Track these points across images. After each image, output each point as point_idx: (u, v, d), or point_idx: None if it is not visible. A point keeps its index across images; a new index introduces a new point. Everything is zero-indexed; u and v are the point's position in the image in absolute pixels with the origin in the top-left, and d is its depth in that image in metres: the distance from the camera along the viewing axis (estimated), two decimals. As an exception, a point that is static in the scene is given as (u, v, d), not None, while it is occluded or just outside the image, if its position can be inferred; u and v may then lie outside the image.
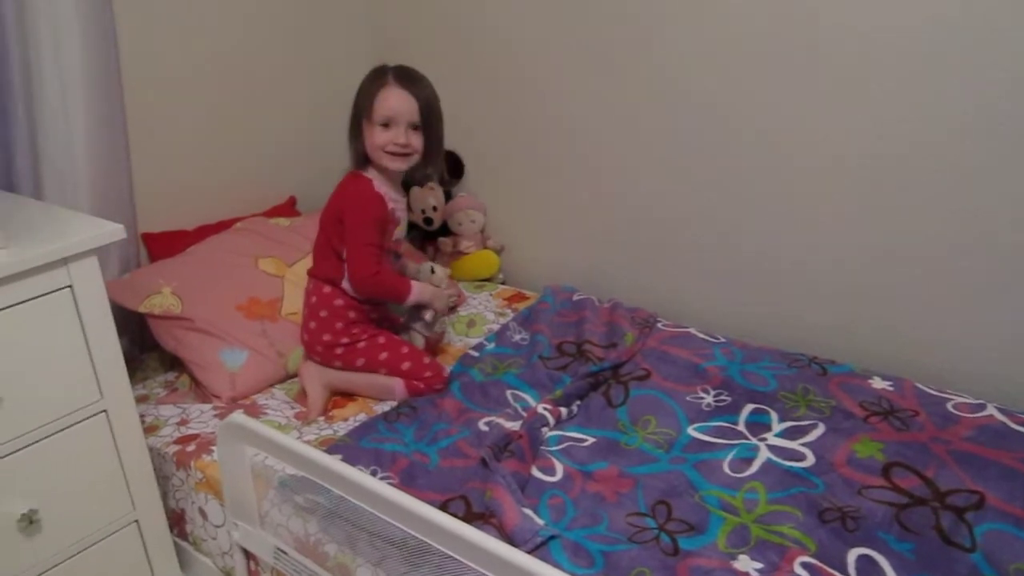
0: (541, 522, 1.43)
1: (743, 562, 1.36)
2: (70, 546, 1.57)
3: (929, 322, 1.95)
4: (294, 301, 2.11)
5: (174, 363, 2.15)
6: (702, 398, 1.86)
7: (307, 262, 2.18)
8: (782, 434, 1.71)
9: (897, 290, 1.97)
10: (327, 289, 1.91)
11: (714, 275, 2.28)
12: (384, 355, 1.92)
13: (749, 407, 1.81)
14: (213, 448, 1.74)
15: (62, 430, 1.51)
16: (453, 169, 2.70)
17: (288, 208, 2.57)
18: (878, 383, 1.85)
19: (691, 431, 1.76)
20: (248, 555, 1.66)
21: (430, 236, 2.76)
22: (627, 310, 2.26)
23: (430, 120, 1.87)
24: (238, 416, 1.45)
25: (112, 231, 1.49)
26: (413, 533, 1.22)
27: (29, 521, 1.46)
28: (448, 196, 2.74)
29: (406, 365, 1.93)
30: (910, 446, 1.62)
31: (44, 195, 1.90)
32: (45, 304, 1.43)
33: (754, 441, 1.69)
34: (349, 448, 1.69)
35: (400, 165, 1.88)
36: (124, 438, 1.61)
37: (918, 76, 1.79)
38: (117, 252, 2.11)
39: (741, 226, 2.17)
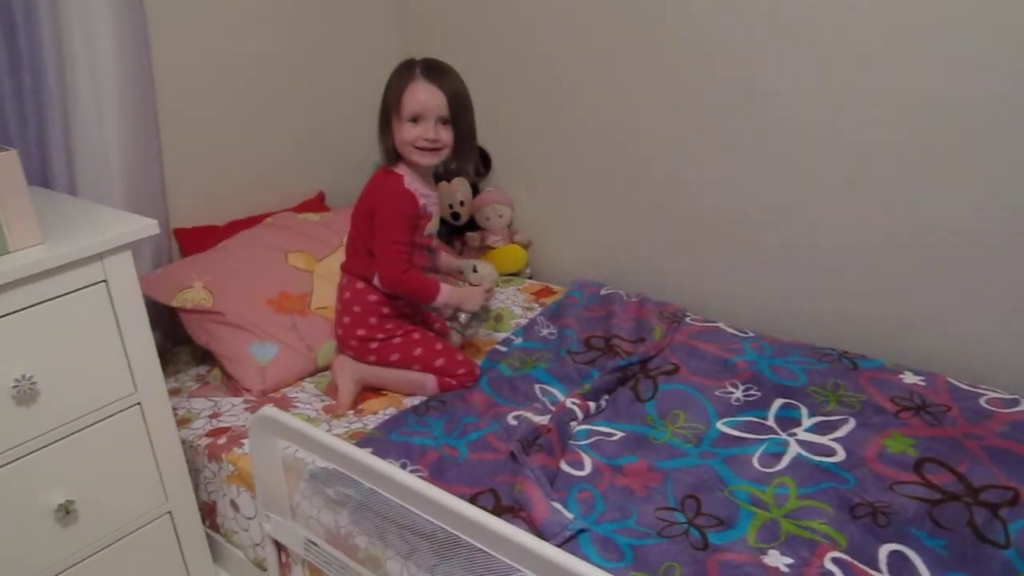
0: (570, 516, 1.43)
1: (773, 557, 1.36)
2: (105, 536, 1.60)
3: (961, 317, 1.93)
4: (324, 296, 2.13)
5: (205, 356, 2.17)
6: (731, 392, 1.85)
7: (336, 257, 2.19)
8: (812, 429, 1.70)
9: (929, 285, 1.95)
10: (360, 285, 1.91)
11: (743, 269, 2.26)
12: (419, 351, 1.93)
13: (779, 402, 1.80)
14: (244, 441, 1.76)
15: (97, 422, 1.53)
16: (481, 163, 2.71)
17: (317, 203, 2.59)
18: (909, 378, 1.84)
19: (720, 426, 1.75)
20: (279, 547, 1.68)
21: (457, 231, 2.77)
22: (655, 304, 2.25)
23: (460, 113, 1.85)
24: (269, 409, 1.46)
25: (146, 226, 1.51)
26: (443, 526, 1.23)
27: (66, 511, 1.49)
28: (475, 191, 2.74)
29: (440, 361, 1.94)
30: (942, 441, 1.60)
31: (78, 191, 1.93)
32: (81, 298, 1.45)
33: (784, 436, 1.68)
34: (379, 441, 1.70)
35: (430, 160, 1.87)
36: (157, 431, 1.63)
37: (959, 63, 1.77)
38: (150, 247, 2.14)
39: (770, 219, 2.16)
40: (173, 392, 2.00)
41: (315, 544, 1.56)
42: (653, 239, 2.42)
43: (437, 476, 1.61)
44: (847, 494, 1.49)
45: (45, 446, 1.46)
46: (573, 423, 1.77)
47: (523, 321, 2.29)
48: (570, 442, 1.72)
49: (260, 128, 2.42)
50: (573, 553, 1.24)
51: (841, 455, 1.61)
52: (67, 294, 1.43)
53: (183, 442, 1.75)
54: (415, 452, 1.68)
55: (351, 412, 1.88)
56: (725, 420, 1.76)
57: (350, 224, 1.95)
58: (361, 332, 1.91)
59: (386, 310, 1.91)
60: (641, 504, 1.51)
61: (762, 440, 1.68)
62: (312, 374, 2.07)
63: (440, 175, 2.58)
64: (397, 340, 1.93)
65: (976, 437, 1.60)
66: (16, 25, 1.73)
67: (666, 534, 1.42)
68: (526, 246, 2.72)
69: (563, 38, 2.38)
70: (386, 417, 1.84)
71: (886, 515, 1.43)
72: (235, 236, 2.25)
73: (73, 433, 1.50)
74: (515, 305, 2.41)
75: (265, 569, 1.73)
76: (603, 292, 2.36)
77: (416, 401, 1.92)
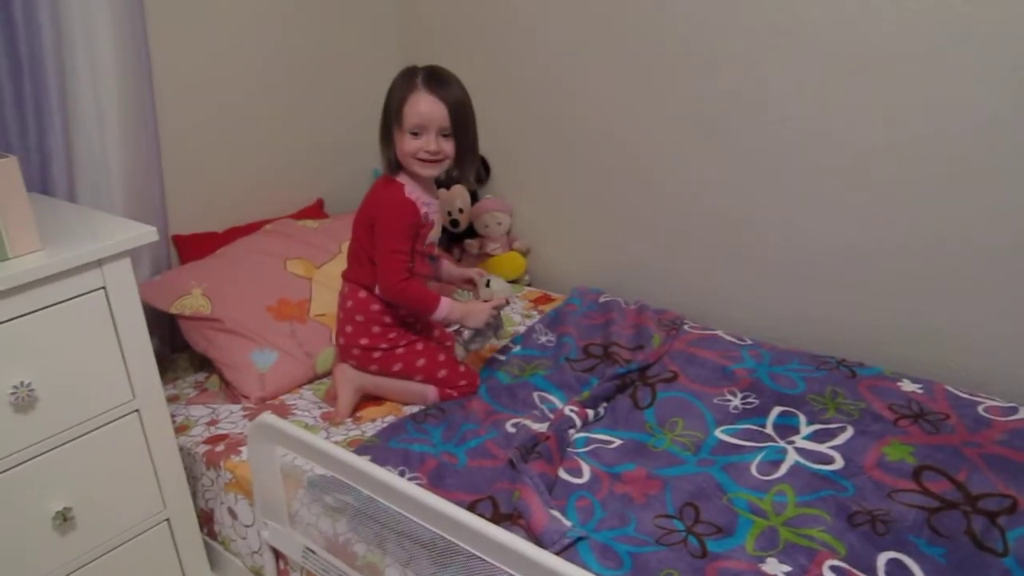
0: (569, 523, 1.43)
1: (771, 565, 1.35)
2: (103, 544, 1.59)
3: (960, 325, 1.93)
4: (323, 302, 2.13)
5: (204, 363, 2.17)
6: (730, 400, 1.85)
7: (335, 264, 2.20)
8: (811, 437, 1.70)
9: (928, 292, 1.95)
10: (363, 294, 1.90)
11: (741, 277, 2.26)
12: (422, 362, 1.93)
13: (777, 409, 1.80)
14: (242, 449, 1.76)
15: (95, 429, 1.53)
16: (480, 171, 2.71)
17: (316, 210, 2.59)
18: (908, 386, 1.84)
19: (719, 433, 1.75)
20: (277, 554, 1.68)
21: (456, 238, 2.77)
22: (654, 312, 2.25)
23: (461, 124, 1.83)
24: (268, 416, 1.46)
25: (145, 233, 1.51)
26: (441, 533, 1.23)
27: (63, 519, 1.49)
28: (474, 198, 2.75)
29: (442, 373, 1.94)
30: (941, 449, 1.60)
31: (78, 198, 1.93)
32: (79, 305, 1.45)
33: (782, 444, 1.68)
34: (378, 448, 1.70)
35: (432, 172, 1.86)
36: (155, 438, 1.63)
37: (957, 68, 1.78)
38: (149, 254, 2.14)
39: (769, 227, 2.16)
40: (171, 399, 2.00)
41: (313, 552, 1.55)
42: (652, 246, 2.43)
43: (436, 483, 1.60)
44: (846, 502, 1.49)
45: (43, 453, 1.46)
46: (572, 431, 1.77)
47: (521, 328, 2.29)
48: (569, 450, 1.72)
49: (259, 135, 2.42)
50: (572, 561, 1.24)
51: (840, 463, 1.61)
52: (66, 301, 1.43)
53: (181, 449, 1.75)
54: (414, 459, 1.68)
55: (349, 420, 1.88)
56: (724, 428, 1.77)
57: (351, 233, 1.94)
58: (364, 341, 1.90)
59: (388, 319, 1.90)
60: (640, 512, 1.51)
61: (761, 448, 1.68)
62: (311, 381, 2.07)
63: (439, 182, 2.58)
64: (400, 350, 1.92)
65: (974, 445, 1.61)
66: (17, 32, 1.73)
67: (665, 542, 1.42)
68: (525, 253, 2.72)
69: (562, 45, 2.39)
70: (385, 424, 1.84)
71: (885, 523, 1.43)
72: (234, 243, 2.25)
73: (71, 440, 1.49)
74: (514, 312, 2.41)
75: (263, 577, 1.73)
76: (602, 299, 2.36)
77: (415, 408, 1.92)
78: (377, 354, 1.91)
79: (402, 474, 1.62)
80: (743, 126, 2.11)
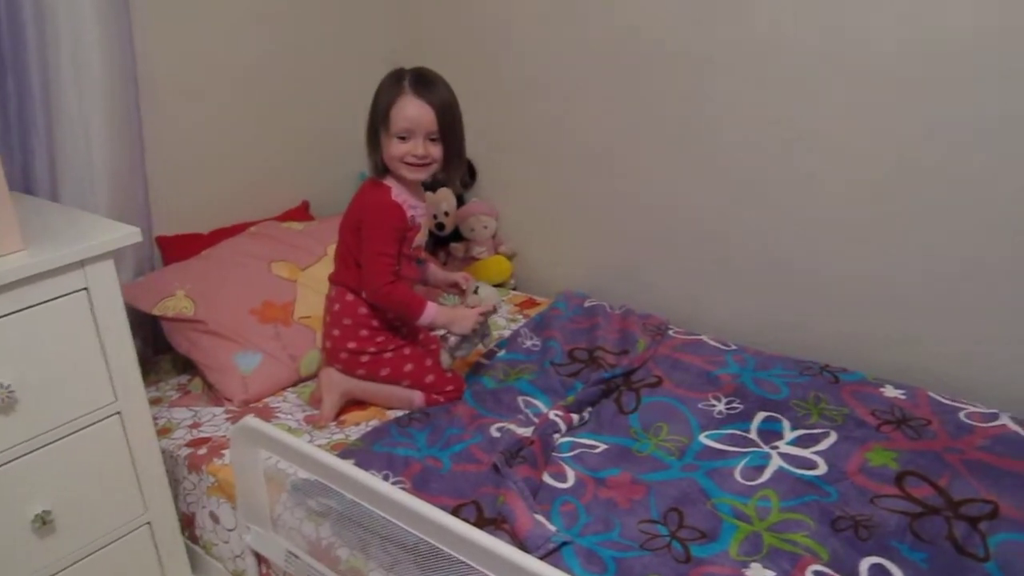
0: (553, 528, 1.43)
1: (755, 570, 1.36)
2: (83, 547, 1.58)
3: (942, 331, 1.95)
4: (307, 305, 2.12)
5: (187, 365, 2.16)
6: (714, 405, 1.86)
7: (320, 266, 2.19)
8: (794, 442, 1.70)
9: (910, 299, 1.97)
10: (350, 297, 1.89)
11: (727, 282, 2.27)
12: (409, 367, 1.92)
13: (761, 415, 1.80)
14: (225, 452, 1.75)
15: (77, 431, 1.51)
16: (466, 174, 2.71)
17: (302, 212, 2.58)
18: (891, 391, 1.85)
19: (703, 438, 1.75)
20: (260, 559, 1.67)
21: (442, 241, 2.77)
22: (639, 317, 2.26)
23: (449, 128, 1.82)
24: (251, 420, 1.45)
25: (128, 234, 1.50)
26: (425, 538, 1.22)
27: (43, 522, 1.47)
28: (460, 201, 2.74)
29: (430, 378, 1.93)
30: (923, 455, 1.61)
31: (61, 198, 1.92)
32: (61, 306, 1.44)
33: (766, 449, 1.69)
34: (362, 452, 1.69)
35: (419, 176, 1.85)
36: (137, 440, 1.62)
37: (931, 84, 1.79)
38: (132, 255, 2.12)
39: (753, 234, 2.17)
40: (154, 401, 1.99)
41: (296, 556, 1.55)
42: (638, 251, 2.43)
43: (420, 488, 1.60)
44: (829, 507, 1.50)
45: (23, 455, 1.44)
46: (556, 435, 1.77)
47: (507, 333, 2.29)
48: (553, 454, 1.72)
49: (245, 136, 2.41)
50: (556, 566, 1.23)
51: (823, 468, 1.61)
52: (48, 301, 1.42)
53: (163, 452, 1.74)
54: (398, 464, 1.67)
55: (333, 423, 1.87)
56: (708, 433, 1.77)
57: (338, 236, 1.93)
58: (352, 345, 1.89)
59: (376, 323, 1.89)
60: (624, 517, 1.51)
61: (745, 453, 1.68)
62: (295, 384, 2.06)
63: (425, 185, 2.57)
64: (388, 355, 1.91)
65: (956, 451, 1.62)
66: (0, 29, 1.72)
67: (649, 547, 1.42)
68: (511, 257, 2.72)
69: (550, 51, 2.39)
70: (369, 428, 1.84)
71: (867, 528, 1.44)
72: (218, 245, 2.24)
73: (52, 442, 1.48)
74: (499, 316, 2.41)
75: (245, 581, 1.72)
76: (587, 304, 2.36)
77: (399, 412, 1.91)
78: (365, 358, 1.90)
79: (386, 478, 1.62)
80: (729, 133, 2.12)
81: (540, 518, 1.44)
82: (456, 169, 1.90)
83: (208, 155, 2.32)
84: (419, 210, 1.91)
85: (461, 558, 1.17)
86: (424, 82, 1.80)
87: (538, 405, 1.91)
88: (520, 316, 2.42)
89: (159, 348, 2.22)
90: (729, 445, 1.72)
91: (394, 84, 1.81)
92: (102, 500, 1.59)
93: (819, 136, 1.98)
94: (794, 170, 2.04)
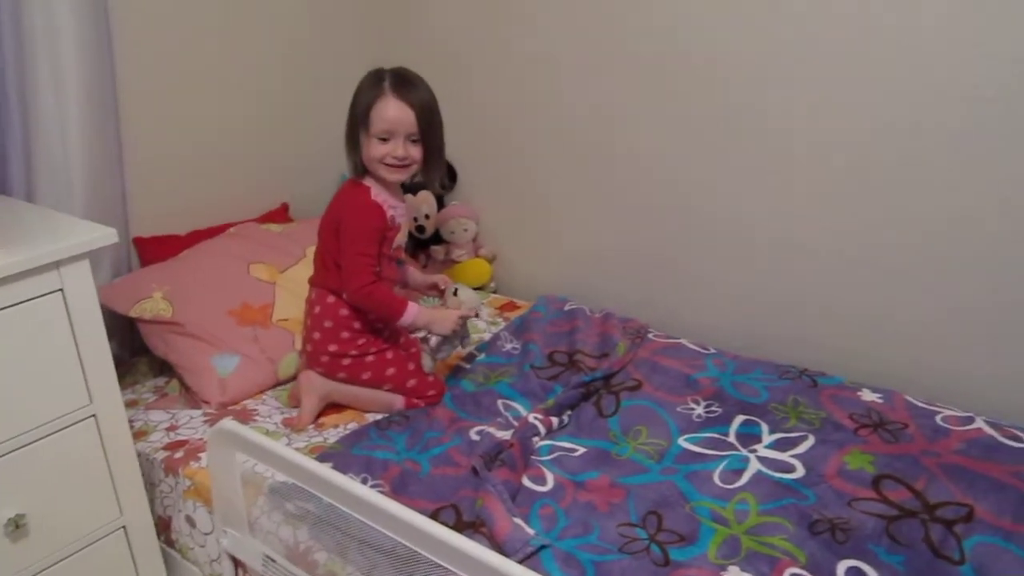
0: (532, 531, 1.43)
1: (733, 573, 1.36)
2: (57, 551, 1.56)
3: (919, 335, 1.96)
4: (286, 307, 2.10)
5: (164, 368, 2.14)
6: (693, 409, 1.86)
7: (299, 268, 2.18)
8: (773, 445, 1.71)
9: (888, 303, 1.98)
10: (331, 299, 1.87)
11: (706, 286, 2.28)
12: (391, 371, 1.91)
13: (740, 418, 1.81)
14: (202, 455, 1.73)
15: (51, 434, 1.49)
16: (447, 177, 2.70)
17: (281, 214, 2.56)
18: (868, 395, 1.86)
19: (682, 442, 1.76)
20: (237, 563, 1.65)
21: (422, 244, 2.76)
22: (619, 320, 2.26)
23: (429, 129, 1.81)
24: (229, 422, 1.44)
25: (105, 235, 1.49)
26: (403, 542, 1.22)
27: (16, 526, 1.45)
28: (441, 204, 2.74)
29: (411, 382, 1.92)
30: (900, 458, 1.62)
31: (37, 198, 1.89)
32: (36, 307, 1.42)
33: (745, 452, 1.70)
34: (340, 455, 1.68)
35: (399, 176, 1.84)
36: (113, 443, 1.60)
37: (936, 86, 1.81)
38: (109, 256, 2.10)
39: (734, 239, 2.18)
40: (130, 404, 1.97)
41: (273, 560, 1.53)
42: (618, 255, 2.44)
43: (399, 491, 1.59)
44: (807, 510, 1.50)
45: (-4, 458, 1.43)
46: (536, 438, 1.77)
47: (487, 336, 2.28)
48: (533, 457, 1.71)
49: (224, 137, 2.39)
50: (535, 569, 1.23)
51: (801, 471, 1.62)
52: (22, 303, 1.40)
53: (139, 455, 1.72)
54: (377, 467, 1.66)
55: (311, 426, 1.86)
56: (687, 436, 1.77)
57: (318, 237, 1.92)
58: (333, 348, 1.88)
59: (357, 325, 1.88)
60: (603, 520, 1.51)
61: (723, 456, 1.69)
62: (273, 386, 2.05)
63: (406, 188, 2.57)
64: (370, 358, 1.90)
65: (933, 454, 1.63)
66: (-26, 28, 1.70)
67: (628, 550, 1.42)
68: (491, 260, 2.72)
69: (531, 53, 2.40)
70: (347, 431, 1.83)
71: (845, 531, 1.45)
72: (196, 246, 2.22)
73: (25, 445, 1.46)
74: (479, 319, 2.40)
75: (222, 585, 1.70)
76: (567, 307, 2.36)
77: (378, 415, 1.90)
78: (346, 361, 1.89)
79: (364, 481, 1.61)
80: (713, 145, 2.13)
81: (519, 521, 1.44)
82: (435, 170, 1.89)
83: (187, 156, 2.30)
84: (399, 210, 1.90)
85: (439, 562, 1.17)
86: (404, 83, 1.80)
87: (518, 408, 1.91)
88: (500, 319, 2.42)
89: (136, 350, 2.20)
90: (708, 448, 1.72)
91: (374, 85, 1.79)
92: (77, 504, 1.57)
93: (801, 139, 1.99)
94: (772, 177, 2.05)
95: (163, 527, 1.81)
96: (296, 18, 2.51)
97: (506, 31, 2.43)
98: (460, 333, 1.93)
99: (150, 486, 1.78)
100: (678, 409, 1.86)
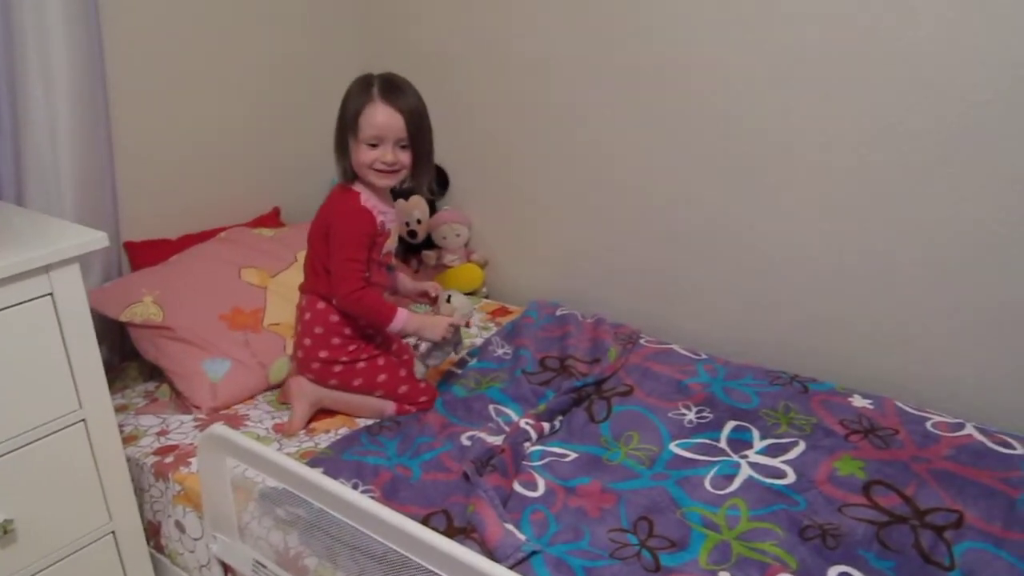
0: (523, 537, 1.42)
1: (724, 579, 1.36)
2: (45, 557, 1.55)
3: (911, 342, 1.97)
4: (277, 312, 2.10)
5: (154, 372, 2.13)
6: (684, 414, 1.87)
7: (290, 273, 2.17)
8: (764, 451, 1.71)
9: (880, 309, 1.99)
10: (321, 305, 1.87)
11: (698, 292, 2.29)
12: (383, 377, 1.90)
13: (731, 424, 1.81)
14: (192, 460, 1.73)
15: (40, 439, 1.49)
16: (438, 182, 2.70)
17: (272, 219, 2.56)
18: (859, 401, 1.86)
19: (673, 447, 1.76)
20: (226, 568, 1.65)
21: (414, 249, 2.76)
22: (611, 326, 2.26)
23: (418, 134, 1.81)
24: (219, 427, 1.44)
25: (95, 239, 1.48)
26: (394, 547, 1.22)
27: (4, 531, 1.44)
28: (433, 209, 2.74)
29: (403, 388, 1.92)
30: (890, 464, 1.63)
31: (27, 202, 1.89)
32: (25, 312, 1.42)
33: (736, 458, 1.70)
34: (331, 461, 1.68)
35: (389, 182, 1.84)
36: (102, 448, 1.59)
37: (920, 89, 1.81)
38: (99, 260, 2.10)
39: (725, 244, 2.18)
40: (120, 409, 1.96)
41: (263, 566, 1.53)
42: (610, 261, 2.44)
43: (390, 496, 1.59)
44: (797, 516, 1.51)
45: (-16, 463, 1.42)
46: (527, 444, 1.77)
47: (478, 341, 2.28)
48: (524, 463, 1.71)
49: (216, 141, 2.39)
50: (525, 575, 1.23)
51: (792, 477, 1.62)
52: (11, 307, 1.39)
53: (129, 460, 1.71)
54: (367, 472, 1.66)
55: (302, 432, 1.86)
56: (678, 442, 1.77)
57: (307, 243, 1.91)
58: (323, 354, 1.87)
59: (348, 331, 1.87)
60: (594, 526, 1.51)
61: (714, 462, 1.69)
62: (264, 391, 2.04)
63: (398, 193, 2.57)
64: (361, 365, 1.89)
65: (923, 460, 1.63)
66: (-35, 31, 1.70)
67: (619, 556, 1.42)
68: (483, 265, 2.72)
69: (522, 59, 2.40)
70: (338, 436, 1.82)
71: (835, 537, 1.45)
72: (187, 250, 2.21)
73: (14, 450, 1.45)
74: (471, 325, 2.40)
75: (211, 591, 1.70)
76: (559, 312, 2.36)
77: (370, 420, 1.90)
78: (338, 368, 1.88)
79: (355, 487, 1.61)
80: (707, 144, 2.13)
81: (510, 527, 1.44)
82: (424, 175, 1.89)
83: (178, 159, 2.30)
84: (389, 216, 1.90)
85: (430, 567, 1.16)
86: (393, 88, 1.79)
87: (509, 414, 1.91)
88: (492, 324, 2.42)
89: (126, 355, 2.20)
90: (699, 454, 1.73)
91: (363, 90, 1.79)
92: (65, 509, 1.56)
93: (795, 146, 1.99)
94: (768, 183, 2.06)
95: (152, 532, 1.80)
96: (289, 21, 2.51)
97: (499, 36, 2.43)
98: (452, 340, 1.92)
99: (139, 491, 1.78)
100: (669, 415, 1.86)
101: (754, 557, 1.41)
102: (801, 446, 1.71)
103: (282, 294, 2.13)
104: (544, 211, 2.54)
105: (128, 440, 1.82)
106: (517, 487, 1.62)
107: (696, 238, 2.23)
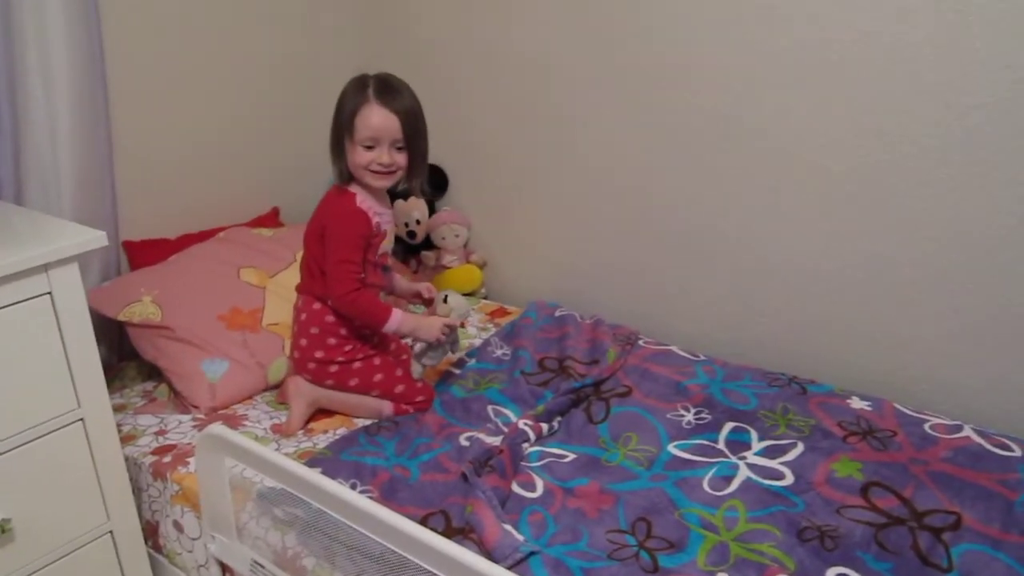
0: (521, 538, 1.42)
1: (722, 580, 1.36)
2: (43, 556, 1.55)
3: (909, 344, 1.97)
4: (276, 312, 2.10)
5: (152, 372, 2.13)
6: (683, 416, 1.87)
7: (289, 273, 2.17)
8: (762, 452, 1.71)
9: (878, 312, 1.99)
10: (317, 306, 1.87)
11: (696, 293, 2.29)
12: (379, 377, 1.90)
13: (729, 425, 1.81)
14: (190, 460, 1.72)
15: (38, 438, 1.49)
16: (437, 183, 2.71)
17: (271, 219, 2.56)
18: (857, 403, 1.86)
19: (672, 448, 1.76)
20: (224, 568, 1.65)
21: (413, 249, 2.76)
22: (609, 327, 2.26)
23: (414, 135, 1.81)
24: (218, 427, 1.44)
25: (94, 238, 1.48)
26: (392, 547, 1.22)
27: (2, 530, 1.44)
28: (432, 210, 2.74)
29: (400, 388, 1.92)
30: (889, 466, 1.63)
31: (26, 201, 1.89)
32: (24, 310, 1.41)
33: (734, 459, 1.70)
34: (329, 461, 1.68)
35: (385, 183, 1.84)
36: (100, 448, 1.59)
37: (917, 95, 1.82)
38: (98, 260, 2.10)
39: (724, 245, 2.19)
40: (118, 408, 1.96)
41: (261, 566, 1.53)
42: (608, 262, 2.44)
43: (388, 497, 1.59)
44: (796, 517, 1.51)
45: (-18, 462, 1.42)
46: (526, 444, 1.77)
47: (477, 342, 2.28)
48: (522, 464, 1.71)
49: (216, 141, 2.39)
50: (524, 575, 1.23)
51: (790, 479, 1.62)
52: (10, 305, 1.39)
53: (127, 459, 1.71)
54: (366, 472, 1.66)
55: (300, 432, 1.86)
56: (677, 443, 1.77)
57: (304, 244, 1.91)
58: (319, 354, 1.87)
59: (344, 331, 1.87)
60: (593, 527, 1.51)
61: (713, 463, 1.69)
62: (262, 391, 2.04)
63: (397, 194, 2.57)
64: (357, 365, 1.89)
65: (921, 462, 1.64)
66: (-35, 30, 1.70)
67: (617, 557, 1.42)
68: (481, 266, 2.72)
69: (522, 60, 2.40)
70: (337, 436, 1.82)
71: (833, 538, 1.45)
72: (186, 250, 2.21)
73: (12, 449, 1.45)
74: (470, 325, 2.40)
75: (209, 591, 1.70)
76: (558, 313, 2.36)
77: (368, 420, 1.90)
78: (333, 368, 1.88)
79: (354, 487, 1.60)
80: (705, 144, 2.13)
81: (508, 528, 1.44)
82: (418, 176, 1.88)
83: (177, 159, 2.30)
84: (385, 217, 1.90)
85: (428, 568, 1.17)
86: (389, 90, 1.79)
87: (508, 414, 1.91)
88: (491, 325, 2.42)
89: (124, 355, 2.20)
90: (697, 455, 1.73)
91: (358, 92, 1.79)
92: (63, 508, 1.56)
93: (794, 149, 2.00)
94: (767, 183, 2.06)
95: (150, 532, 1.80)
96: (288, 21, 2.50)
97: (498, 37, 2.43)
98: (449, 340, 1.92)
99: (138, 491, 1.78)
100: (668, 416, 1.86)
101: (752, 558, 1.41)
102: (799, 447, 1.71)
103: (281, 294, 2.13)
104: (543, 212, 2.54)
105: (126, 440, 1.82)
106: (515, 488, 1.62)
107: (695, 239, 2.23)
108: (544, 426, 1.83)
